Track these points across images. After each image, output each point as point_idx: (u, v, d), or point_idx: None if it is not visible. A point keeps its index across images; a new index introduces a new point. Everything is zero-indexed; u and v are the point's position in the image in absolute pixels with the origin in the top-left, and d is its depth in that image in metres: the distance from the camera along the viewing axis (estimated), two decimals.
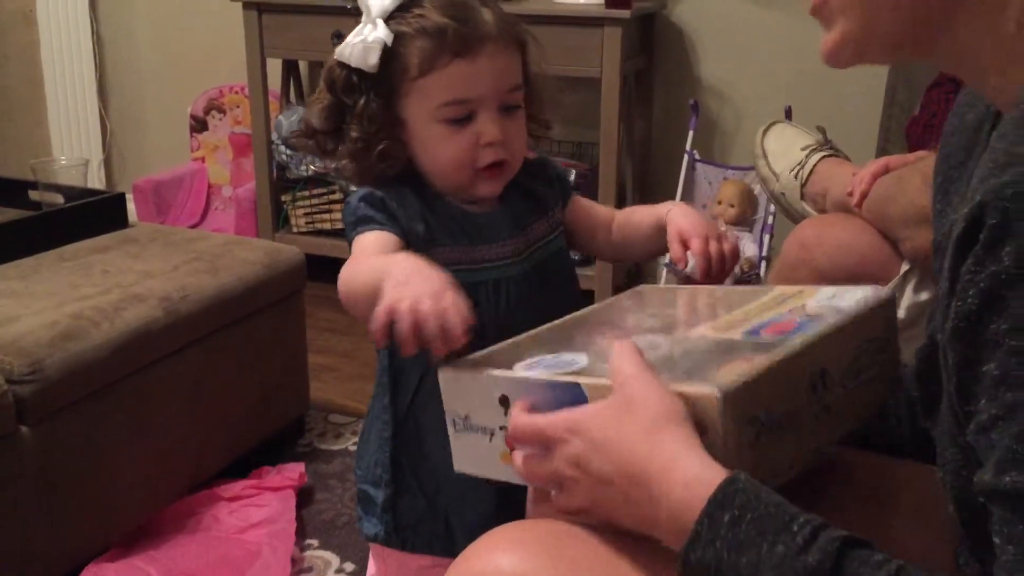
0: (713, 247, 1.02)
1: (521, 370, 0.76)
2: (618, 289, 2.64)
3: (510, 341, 0.86)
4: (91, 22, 3.13)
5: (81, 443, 1.48)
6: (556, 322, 0.90)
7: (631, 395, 0.66)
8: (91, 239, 1.86)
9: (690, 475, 0.62)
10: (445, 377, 0.78)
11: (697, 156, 2.56)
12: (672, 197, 2.56)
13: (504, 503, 0.99)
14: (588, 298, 0.96)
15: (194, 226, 3.03)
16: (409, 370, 1.05)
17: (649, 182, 2.84)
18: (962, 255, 0.56)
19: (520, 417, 0.71)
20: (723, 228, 2.40)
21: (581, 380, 0.70)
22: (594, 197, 2.59)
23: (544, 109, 1.10)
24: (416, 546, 1.08)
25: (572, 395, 0.70)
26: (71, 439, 1.47)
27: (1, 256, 1.72)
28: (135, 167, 3.27)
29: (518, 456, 0.72)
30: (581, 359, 0.76)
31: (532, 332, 0.88)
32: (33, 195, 1.97)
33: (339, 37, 2.62)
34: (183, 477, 1.70)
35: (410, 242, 1.00)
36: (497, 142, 1.00)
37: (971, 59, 0.64)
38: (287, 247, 2.00)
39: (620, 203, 2.66)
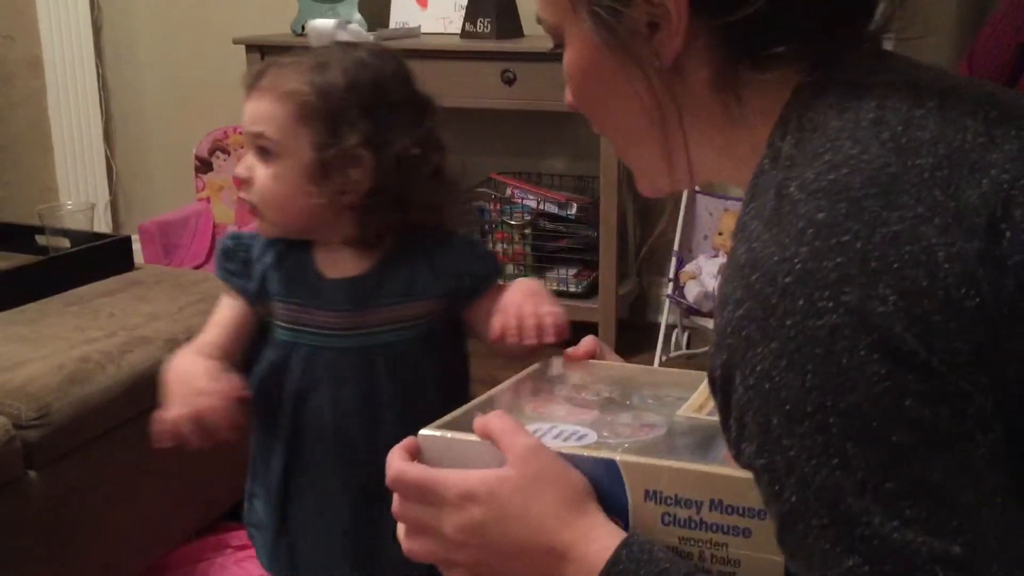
0: (527, 313, 0.99)
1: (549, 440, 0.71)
2: (621, 324, 2.65)
3: (466, 407, 0.78)
4: (96, 67, 3.17)
5: (88, 486, 1.49)
6: (491, 392, 0.82)
7: (540, 468, 0.66)
8: (98, 282, 1.88)
9: (602, 543, 0.64)
10: (430, 438, 0.72)
11: (697, 188, 2.58)
12: (673, 229, 2.57)
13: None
14: (576, 338, 0.92)
15: (199, 266, 3.05)
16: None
17: (650, 215, 2.85)
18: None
19: (407, 466, 0.70)
20: (723, 260, 2.42)
21: (617, 457, 0.67)
22: (596, 230, 2.61)
23: (359, 182, 0.99)
24: None
25: (606, 471, 0.67)
26: (78, 483, 1.47)
27: (8, 301, 1.73)
28: (141, 209, 3.30)
29: (396, 498, 0.71)
30: (587, 433, 0.72)
31: (479, 399, 0.81)
32: (40, 240, 1.99)
33: None
34: (191, 520, 1.70)
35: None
36: (240, 178, 1.02)
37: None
38: None
39: (622, 237, 2.68)
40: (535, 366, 0.88)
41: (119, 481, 1.54)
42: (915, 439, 0.50)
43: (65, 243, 1.96)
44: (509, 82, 2.53)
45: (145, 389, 1.56)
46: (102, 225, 3.14)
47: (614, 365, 0.88)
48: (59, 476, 1.44)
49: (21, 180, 3.25)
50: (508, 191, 2.77)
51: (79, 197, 3.19)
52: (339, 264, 1.05)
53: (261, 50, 2.74)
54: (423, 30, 2.83)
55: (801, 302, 0.51)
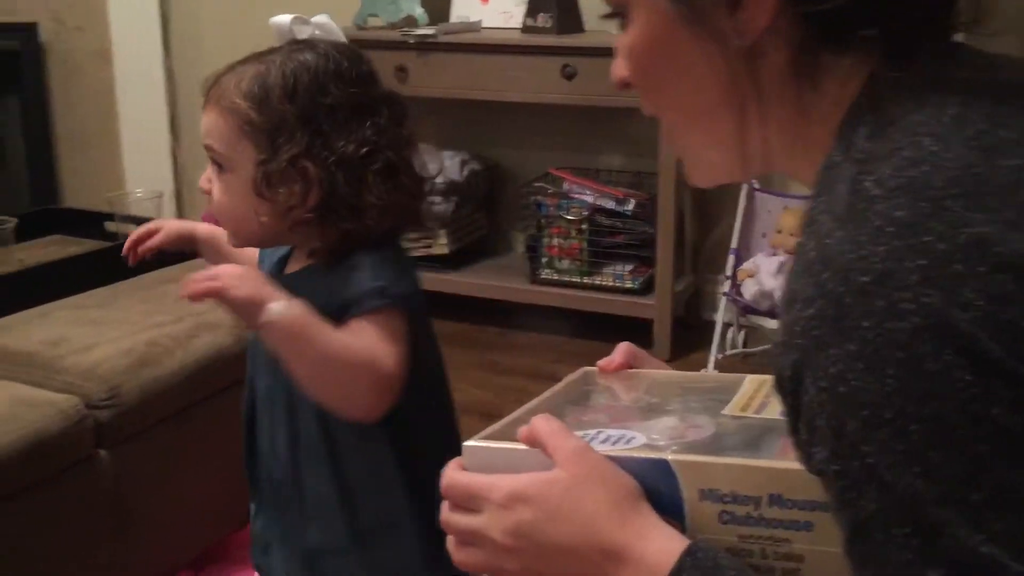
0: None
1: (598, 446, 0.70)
2: (676, 321, 2.64)
3: (505, 420, 0.77)
4: (163, 59, 3.24)
5: (154, 467, 1.53)
6: (527, 405, 0.80)
7: (590, 469, 0.66)
8: (164, 269, 1.92)
9: (659, 546, 0.63)
10: (473, 449, 0.71)
11: (756, 185, 2.56)
12: (731, 226, 2.56)
13: None
14: (631, 333, 0.91)
15: None
16: None
17: (707, 212, 2.84)
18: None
19: (457, 474, 0.69)
20: (782, 259, 2.40)
21: (668, 456, 0.66)
22: (653, 226, 2.61)
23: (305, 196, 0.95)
24: None
25: (658, 472, 0.66)
26: (145, 463, 1.52)
27: (79, 285, 1.78)
28: (204, 198, 3.36)
29: (444, 507, 0.70)
30: (635, 436, 0.71)
31: (517, 412, 0.79)
32: (109, 227, 2.05)
33: (403, 71, 2.69)
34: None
35: None
36: (203, 189, 1.02)
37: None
38: None
39: (679, 233, 2.67)
40: (569, 378, 0.86)
41: (183, 463, 1.58)
42: (1002, 449, 0.49)
43: (133, 230, 2.00)
44: (569, 77, 2.54)
45: (211, 374, 1.61)
46: (168, 214, 3.21)
47: (650, 373, 0.86)
48: (126, 456, 1.48)
49: (89, 169, 3.33)
50: (565, 186, 2.77)
51: (145, 186, 3.26)
52: (294, 266, 1.06)
53: None
54: (484, 24, 2.84)
55: (880, 303, 0.50)
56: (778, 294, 2.39)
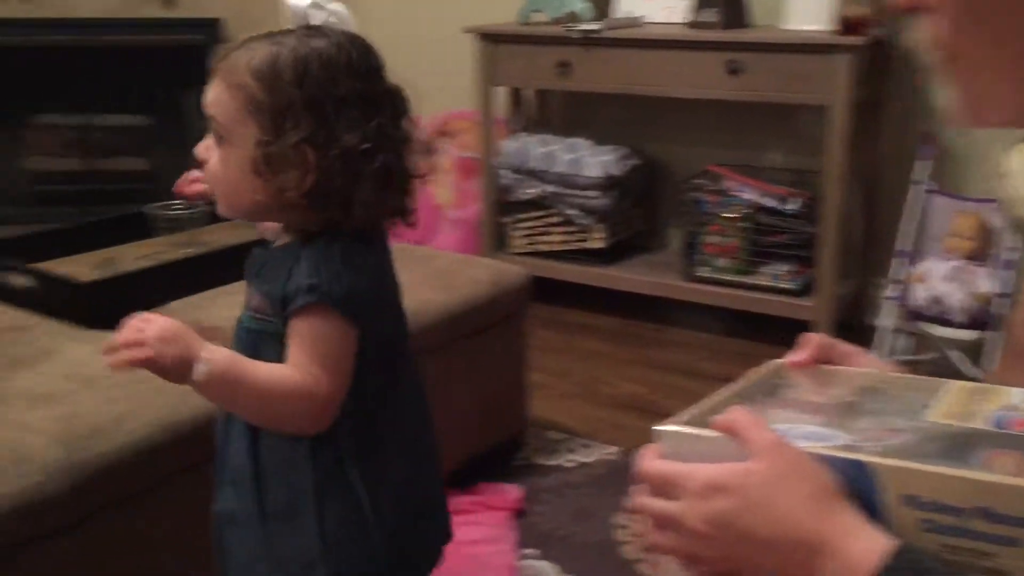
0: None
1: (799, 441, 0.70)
2: (839, 325, 2.57)
3: (695, 408, 0.77)
4: None
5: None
6: (722, 393, 0.79)
7: (789, 462, 0.66)
8: None
9: (865, 544, 0.62)
10: (668, 434, 0.71)
11: (930, 187, 2.46)
12: (898, 229, 2.48)
13: None
14: (789, 336, 0.87)
15: (419, 245, 3.19)
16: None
17: (876, 213, 2.75)
18: None
19: (655, 461, 0.70)
20: (955, 263, 2.30)
21: (868, 459, 0.65)
22: (815, 226, 2.55)
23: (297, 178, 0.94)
24: None
25: (857, 473, 0.66)
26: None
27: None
28: None
29: (642, 491, 0.71)
30: (835, 434, 0.70)
31: (706, 402, 0.78)
32: None
33: (565, 66, 2.71)
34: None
35: None
36: (199, 157, 1.00)
37: None
38: (513, 267, 2.08)
39: (847, 235, 2.60)
40: (759, 371, 0.84)
41: None
42: None
43: None
44: (734, 72, 2.50)
45: None
46: None
47: (840, 370, 0.83)
48: None
49: None
50: (725, 183, 2.74)
51: None
52: (281, 240, 1.04)
53: (493, 39, 2.84)
54: (648, 19, 2.83)
55: None
56: (950, 300, 2.30)
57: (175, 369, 0.92)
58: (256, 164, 0.94)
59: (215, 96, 0.97)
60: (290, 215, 0.98)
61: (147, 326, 0.92)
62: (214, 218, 1.88)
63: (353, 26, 1.04)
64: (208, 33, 3.29)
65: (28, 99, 3.54)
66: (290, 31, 0.97)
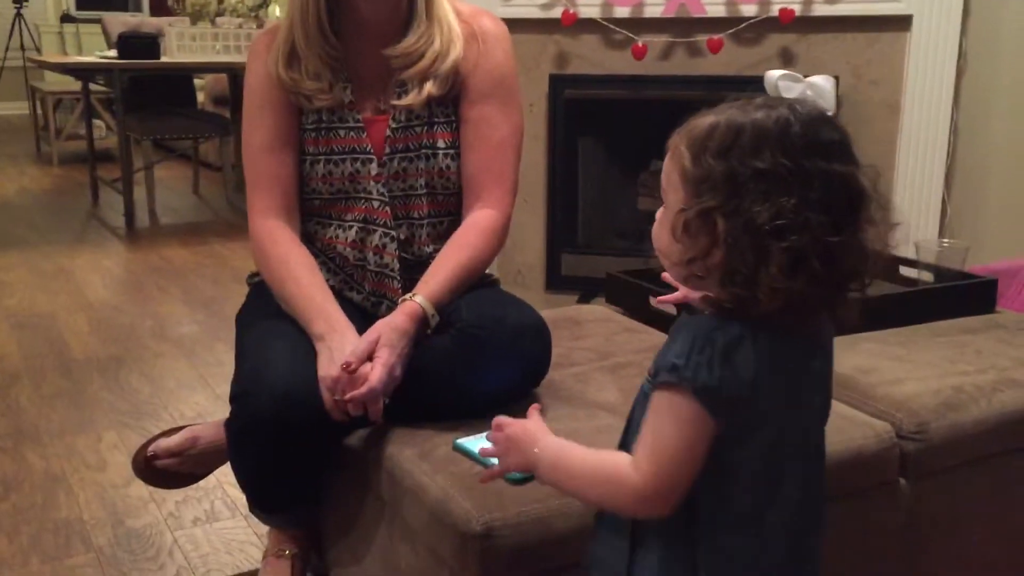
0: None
1: None
2: None
3: None
4: (951, 114, 3.27)
5: (948, 508, 1.58)
6: None
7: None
8: (959, 319, 1.96)
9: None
10: None
11: None
12: None
13: None
14: None
15: None
16: None
17: None
18: None
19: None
20: None
21: None
22: None
23: None
24: None
25: None
26: (940, 501, 1.57)
27: (879, 323, 1.90)
28: (971, 254, 3.32)
29: None
30: None
31: None
32: (905, 270, 2.15)
33: None
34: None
35: None
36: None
37: None
38: None
39: None
40: None
41: (976, 512, 1.60)
42: None
43: (929, 277, 2.08)
44: None
45: (1014, 429, 1.60)
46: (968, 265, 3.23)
47: None
48: (925, 490, 1.55)
49: None
50: None
51: (908, 236, 3.33)
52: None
53: None
54: None
55: None
56: None
57: (520, 467, 1.08)
58: (674, 229, 0.95)
59: (665, 162, 1.00)
60: (703, 285, 0.96)
61: (500, 438, 1.09)
62: None
63: (831, 100, 1.02)
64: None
65: (647, 147, 3.96)
66: (749, 100, 0.97)
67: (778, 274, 0.89)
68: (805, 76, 1.10)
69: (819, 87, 1.03)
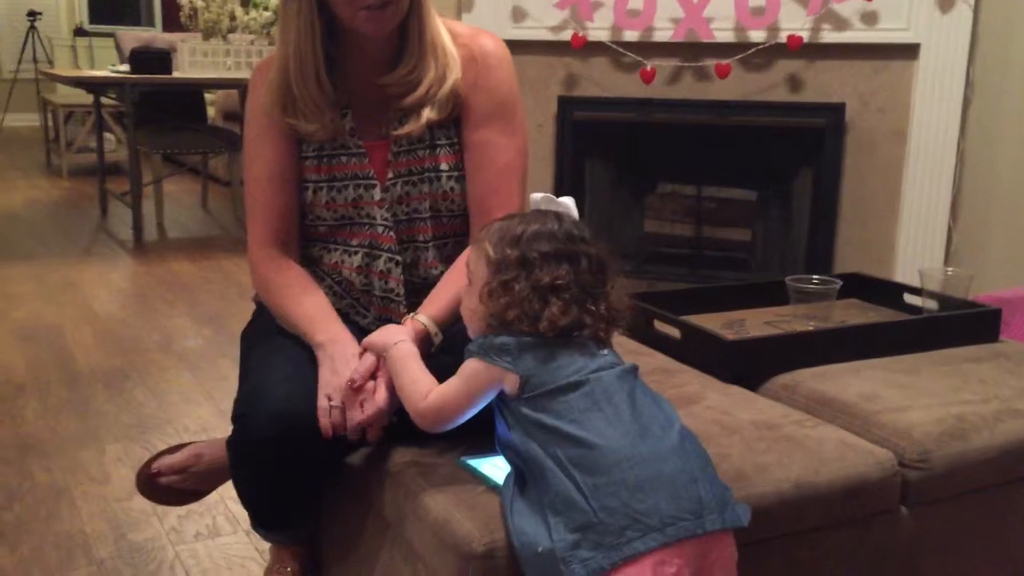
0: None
1: None
2: None
3: None
4: (958, 142, 3.29)
5: (948, 537, 1.58)
6: None
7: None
8: (962, 347, 1.96)
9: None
10: None
11: None
12: None
13: None
14: None
15: None
16: None
17: None
18: None
19: None
20: None
21: None
22: None
23: None
24: None
25: None
26: (940, 531, 1.57)
27: (882, 349, 1.91)
28: (975, 283, 3.32)
29: None
30: None
31: None
32: (909, 298, 2.15)
33: None
34: None
35: None
36: None
37: None
38: None
39: None
40: None
41: (976, 541, 1.60)
42: None
43: (933, 305, 2.08)
44: None
45: (1016, 459, 1.60)
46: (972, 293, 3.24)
47: None
48: (925, 519, 1.55)
49: (863, 240, 3.52)
50: None
51: (914, 263, 3.34)
52: None
53: None
54: None
55: None
56: None
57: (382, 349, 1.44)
58: (482, 296, 1.32)
59: (470, 253, 1.39)
60: (497, 330, 1.32)
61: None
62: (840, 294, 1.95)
63: (575, 212, 1.39)
64: (830, 117, 3.41)
65: (654, 169, 3.98)
66: (530, 212, 1.37)
67: (556, 314, 1.28)
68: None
69: (567, 204, 1.41)
